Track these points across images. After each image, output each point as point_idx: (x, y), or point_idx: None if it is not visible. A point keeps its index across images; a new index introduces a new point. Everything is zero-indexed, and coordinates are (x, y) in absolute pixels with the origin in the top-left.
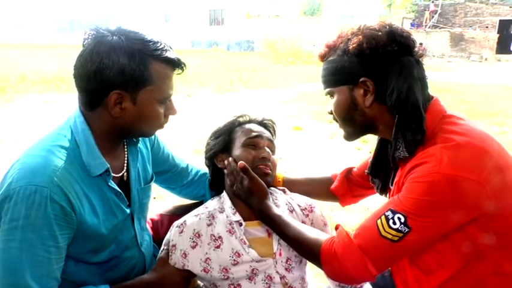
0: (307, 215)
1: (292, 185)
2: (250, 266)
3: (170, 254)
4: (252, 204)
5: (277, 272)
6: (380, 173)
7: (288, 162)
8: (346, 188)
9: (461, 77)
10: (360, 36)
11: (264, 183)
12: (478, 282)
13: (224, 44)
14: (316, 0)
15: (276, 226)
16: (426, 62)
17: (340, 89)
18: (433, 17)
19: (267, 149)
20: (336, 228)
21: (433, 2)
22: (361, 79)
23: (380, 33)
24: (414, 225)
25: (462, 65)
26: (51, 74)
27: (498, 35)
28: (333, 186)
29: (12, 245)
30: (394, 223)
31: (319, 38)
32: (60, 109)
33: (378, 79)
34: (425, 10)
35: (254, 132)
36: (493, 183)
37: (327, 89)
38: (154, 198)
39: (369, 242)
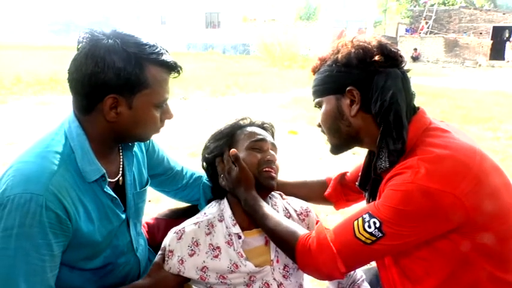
0: (303, 220)
1: (285, 188)
2: (248, 274)
3: (166, 259)
4: (238, 193)
5: (274, 279)
6: (368, 185)
7: (283, 166)
8: (340, 193)
9: (455, 83)
10: (349, 47)
11: (252, 174)
12: None
13: (220, 47)
14: (312, 5)
15: (257, 217)
16: (421, 68)
17: (327, 99)
18: (427, 22)
19: (272, 152)
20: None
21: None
22: (347, 88)
23: (369, 45)
24: (388, 232)
25: (456, 71)
26: (46, 75)
27: (492, 41)
28: (326, 193)
29: (6, 253)
30: (369, 227)
31: (314, 42)
32: (55, 111)
33: (363, 89)
34: (420, 16)
35: (258, 135)
36: (472, 196)
37: (316, 100)
38: (149, 201)
39: (343, 240)
